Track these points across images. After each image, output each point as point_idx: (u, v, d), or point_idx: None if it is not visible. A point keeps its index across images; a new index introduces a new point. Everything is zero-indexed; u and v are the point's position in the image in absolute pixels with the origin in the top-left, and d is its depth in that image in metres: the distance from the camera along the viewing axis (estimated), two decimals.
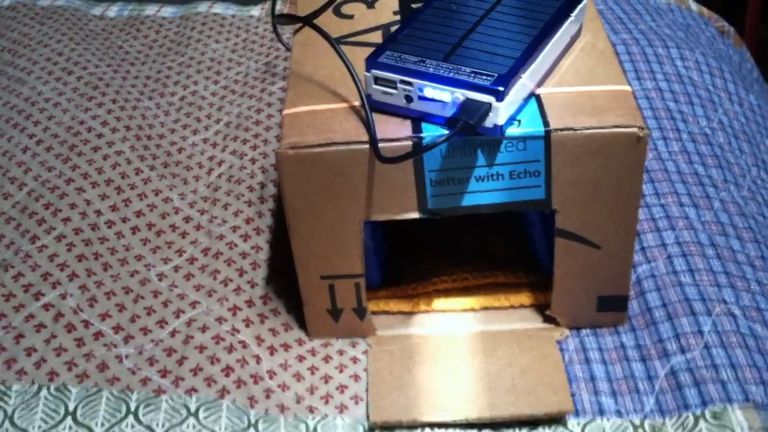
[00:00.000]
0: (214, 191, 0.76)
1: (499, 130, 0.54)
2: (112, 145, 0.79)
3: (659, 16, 0.96)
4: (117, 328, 0.62)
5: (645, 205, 0.71)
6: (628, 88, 0.58)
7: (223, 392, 0.58)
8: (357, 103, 0.58)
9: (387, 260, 0.69)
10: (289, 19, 0.66)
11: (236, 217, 0.73)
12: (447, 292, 0.66)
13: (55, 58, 0.91)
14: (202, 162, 0.80)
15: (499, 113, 0.54)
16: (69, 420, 0.56)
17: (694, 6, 1.04)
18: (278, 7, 1.04)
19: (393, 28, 0.66)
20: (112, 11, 1.05)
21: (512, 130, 0.55)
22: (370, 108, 0.56)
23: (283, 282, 0.68)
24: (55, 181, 0.74)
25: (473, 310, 0.66)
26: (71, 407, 0.57)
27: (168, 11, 1.05)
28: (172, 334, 0.62)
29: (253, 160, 0.79)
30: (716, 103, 0.84)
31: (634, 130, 0.55)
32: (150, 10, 1.05)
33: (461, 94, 0.54)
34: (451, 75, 0.55)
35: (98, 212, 0.72)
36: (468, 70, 0.55)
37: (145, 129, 0.82)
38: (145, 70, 0.93)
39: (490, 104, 0.54)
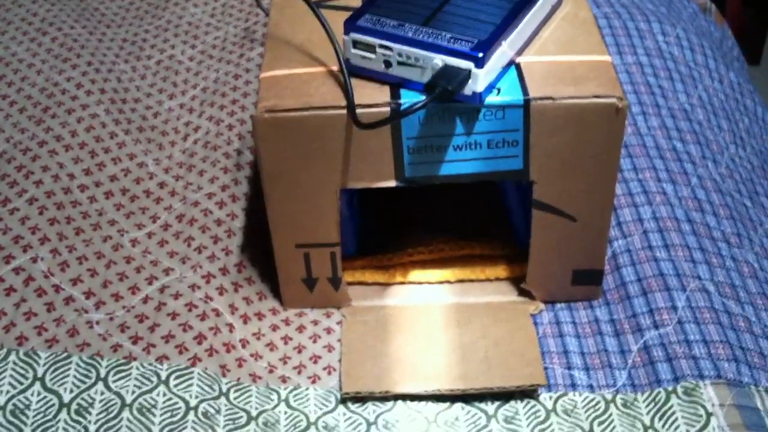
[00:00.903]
0: (190, 157, 0.75)
1: (478, 97, 0.54)
2: (87, 108, 0.77)
3: None
4: (88, 294, 0.62)
5: (623, 180, 0.71)
6: (608, 58, 0.58)
7: (195, 360, 0.58)
8: (335, 68, 0.58)
9: (363, 229, 0.68)
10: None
11: (212, 183, 0.72)
12: (423, 264, 0.66)
13: (30, 18, 0.90)
14: (178, 127, 0.79)
15: (479, 80, 0.53)
16: (38, 385, 0.55)
17: None
18: None
19: None
20: None
21: (491, 98, 0.55)
22: (349, 72, 0.56)
23: (259, 250, 0.67)
24: (27, 143, 0.73)
25: (449, 282, 0.65)
26: (40, 372, 0.56)
27: None
28: (145, 300, 0.62)
29: (230, 126, 0.78)
30: (696, 79, 0.84)
31: (613, 100, 0.54)
32: None
33: (440, 60, 0.54)
34: (430, 40, 0.54)
35: (71, 176, 0.71)
36: (447, 35, 0.54)
37: (120, 92, 0.81)
38: (122, 33, 0.91)
39: (469, 71, 0.53)
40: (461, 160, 0.57)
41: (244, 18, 0.94)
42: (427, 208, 0.71)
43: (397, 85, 0.56)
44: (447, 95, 0.52)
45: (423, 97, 0.54)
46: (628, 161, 0.72)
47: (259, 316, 0.63)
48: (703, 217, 0.69)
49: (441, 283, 0.65)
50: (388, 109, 0.55)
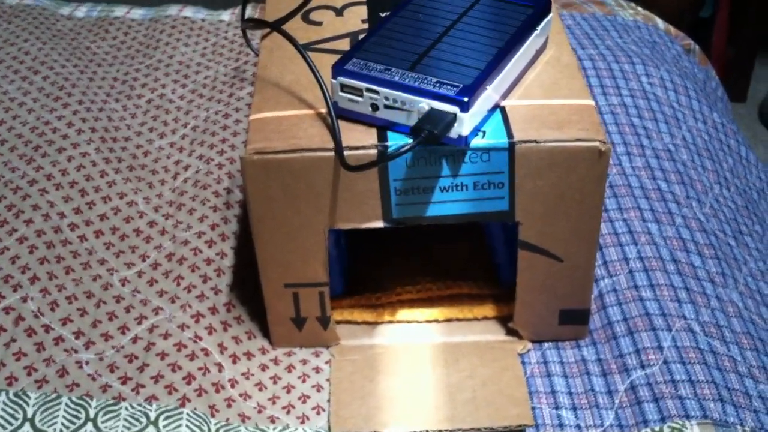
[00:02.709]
0: (180, 195, 0.76)
1: (463, 140, 0.55)
2: (77, 146, 0.78)
3: (626, 33, 0.97)
4: (78, 333, 0.62)
5: (608, 219, 0.72)
6: (591, 102, 0.59)
7: (184, 400, 0.58)
8: (323, 110, 0.58)
9: (351, 269, 0.69)
10: (257, 24, 0.66)
11: (201, 222, 0.73)
12: (411, 303, 0.66)
13: (22, 56, 0.90)
14: (168, 166, 0.79)
15: (464, 124, 0.54)
16: (27, 426, 0.55)
17: (660, 24, 1.05)
18: (249, 12, 1.04)
19: (361, 36, 0.66)
20: (81, 11, 1.05)
21: (477, 141, 0.56)
22: (336, 115, 0.57)
23: (248, 290, 0.67)
24: (18, 182, 0.74)
25: (437, 321, 0.66)
26: (30, 413, 0.56)
27: (137, 13, 1.04)
28: (134, 340, 0.62)
29: (219, 165, 0.79)
30: (680, 120, 0.85)
31: (596, 144, 0.55)
32: (119, 11, 1.05)
33: (426, 104, 0.55)
34: (416, 84, 0.55)
35: (61, 214, 0.71)
36: (433, 80, 0.55)
37: (111, 131, 0.82)
38: (113, 72, 0.92)
39: (454, 114, 0.54)
40: (448, 201, 0.58)
41: (234, 57, 0.95)
42: (413, 246, 0.71)
43: (384, 128, 0.57)
44: (433, 139, 0.53)
45: (409, 140, 0.55)
46: (614, 201, 0.73)
47: (248, 355, 0.63)
48: (687, 256, 0.69)
49: (429, 322, 0.66)
50: (375, 151, 0.56)
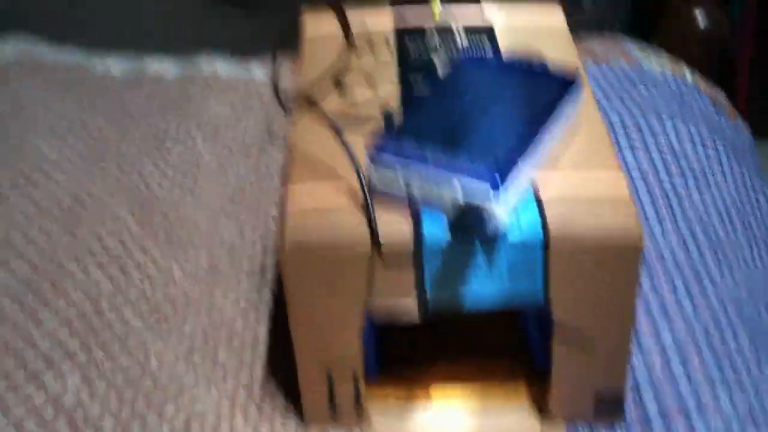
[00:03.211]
0: (214, 263, 0.77)
1: (499, 234, 0.55)
2: (113, 211, 0.79)
3: (654, 86, 0.97)
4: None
5: (641, 295, 0.72)
6: (625, 186, 0.59)
7: None
8: (357, 190, 0.59)
9: (384, 350, 0.70)
10: (290, 99, 0.67)
11: (236, 292, 0.74)
12: (445, 383, 0.67)
13: (57, 118, 0.92)
14: (201, 231, 0.80)
15: (499, 216, 0.55)
16: None
17: (688, 75, 1.05)
18: (281, 66, 1.05)
19: (392, 102, 0.66)
20: (113, 66, 1.06)
21: (512, 234, 0.56)
22: (372, 205, 0.57)
23: (282, 367, 0.68)
24: (60, 256, 0.75)
25: (471, 403, 0.66)
26: None
27: (170, 71, 1.05)
28: (171, 426, 0.63)
29: (253, 228, 0.80)
30: (709, 176, 0.85)
31: (632, 238, 0.56)
32: (152, 65, 1.06)
33: (459, 181, 0.55)
34: (449, 163, 0.55)
35: (98, 291, 0.73)
36: (467, 158, 0.56)
37: (144, 192, 0.83)
38: (144, 127, 0.93)
39: (490, 208, 0.54)
40: (482, 290, 0.58)
41: (264, 114, 0.96)
42: (447, 325, 0.72)
43: (418, 212, 0.57)
44: (469, 235, 0.54)
45: (444, 233, 0.56)
46: (645, 274, 0.74)
47: None
48: (722, 337, 0.69)
49: (463, 404, 0.66)
50: (411, 243, 0.56)
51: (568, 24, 0.76)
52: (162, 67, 1.05)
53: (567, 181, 0.59)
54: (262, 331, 0.71)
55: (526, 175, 0.58)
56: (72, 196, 0.81)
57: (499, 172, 0.54)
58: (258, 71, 1.04)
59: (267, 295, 0.74)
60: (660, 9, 2.30)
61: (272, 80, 0.82)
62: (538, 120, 0.60)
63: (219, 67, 1.04)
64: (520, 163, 0.56)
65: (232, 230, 0.80)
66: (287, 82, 1.01)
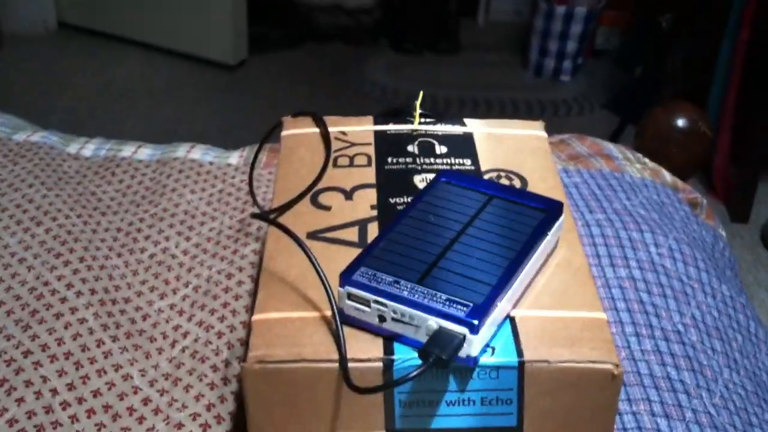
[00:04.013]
0: (177, 368, 0.74)
1: (472, 360, 0.53)
2: (76, 311, 0.77)
3: (633, 193, 0.97)
4: None
5: (618, 412, 0.70)
6: (603, 316, 0.57)
7: None
8: (328, 313, 0.57)
9: None
10: (259, 217, 0.65)
11: (197, 402, 0.71)
12: None
13: (26, 204, 0.90)
14: (167, 332, 0.78)
15: (473, 345, 0.53)
16: None
17: (668, 178, 1.05)
18: (258, 155, 1.04)
19: (369, 225, 0.65)
20: (89, 150, 1.04)
21: (485, 359, 0.54)
22: (342, 325, 0.55)
23: None
24: (12, 352, 0.72)
25: None
26: None
27: (145, 153, 1.04)
28: None
29: (219, 334, 0.77)
30: (689, 295, 0.84)
31: (609, 366, 0.54)
32: (127, 150, 1.04)
33: (435, 322, 0.53)
34: (425, 302, 0.54)
35: (54, 391, 0.69)
36: (443, 297, 0.54)
37: (110, 292, 0.80)
38: (117, 222, 0.91)
39: (464, 336, 0.52)
40: (453, 415, 0.56)
41: (240, 207, 0.94)
42: None
43: (390, 339, 0.55)
44: (441, 364, 0.52)
45: (415, 358, 0.54)
46: (623, 391, 0.72)
47: None
48: None
49: None
50: (380, 365, 0.54)
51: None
52: (137, 152, 1.04)
53: (545, 317, 0.57)
54: None
55: (503, 312, 0.56)
56: (31, 291, 0.78)
57: (477, 317, 0.52)
58: (235, 160, 1.03)
59: (229, 405, 0.71)
60: (648, 87, 2.34)
61: (249, 179, 0.80)
62: (519, 252, 0.58)
63: (196, 153, 1.03)
64: (499, 303, 0.55)
65: (198, 333, 0.77)
66: (265, 173, 1.00)
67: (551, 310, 0.58)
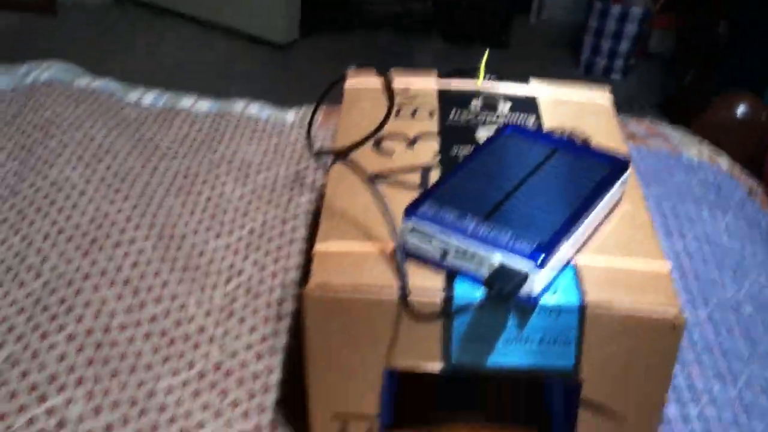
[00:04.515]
0: (231, 302, 0.75)
1: (534, 298, 0.53)
2: (134, 242, 0.78)
3: (692, 173, 0.96)
4: None
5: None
6: (666, 267, 0.57)
7: None
8: (390, 247, 0.57)
9: (401, 400, 0.67)
10: (326, 154, 0.66)
11: (251, 333, 0.72)
12: None
13: (86, 143, 0.91)
14: (222, 269, 0.79)
15: (536, 282, 0.53)
16: None
17: (725, 164, 1.04)
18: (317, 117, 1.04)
19: (432, 172, 0.65)
20: (148, 99, 1.06)
21: (547, 299, 0.54)
22: (403, 257, 0.56)
23: (293, 411, 0.66)
24: (72, 275, 0.73)
25: None
26: None
27: (203, 106, 1.05)
28: None
29: (273, 274, 0.78)
30: (745, 271, 0.83)
31: (671, 315, 0.54)
32: (185, 102, 1.06)
33: (499, 258, 0.53)
34: (491, 237, 0.54)
35: (112, 313, 0.70)
36: (508, 233, 0.54)
37: (168, 228, 0.82)
38: (174, 166, 0.92)
39: (527, 273, 0.53)
40: (510, 353, 0.56)
41: (295, 160, 0.95)
42: (467, 386, 0.70)
43: (452, 273, 0.56)
44: (503, 297, 0.52)
45: (478, 291, 0.54)
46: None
47: None
48: (749, 422, 0.67)
49: None
50: (441, 298, 0.54)
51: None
52: (196, 104, 1.05)
53: (608, 263, 0.57)
54: (275, 374, 0.69)
55: (567, 256, 0.56)
56: (91, 221, 0.80)
57: (542, 255, 0.52)
58: (291, 117, 1.03)
59: (282, 340, 0.72)
60: (699, 92, 2.32)
61: (307, 129, 0.81)
62: (584, 200, 0.58)
63: (252, 109, 1.04)
64: (563, 245, 0.55)
65: (252, 272, 0.78)
66: (320, 133, 1.01)
67: (615, 258, 0.57)
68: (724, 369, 0.71)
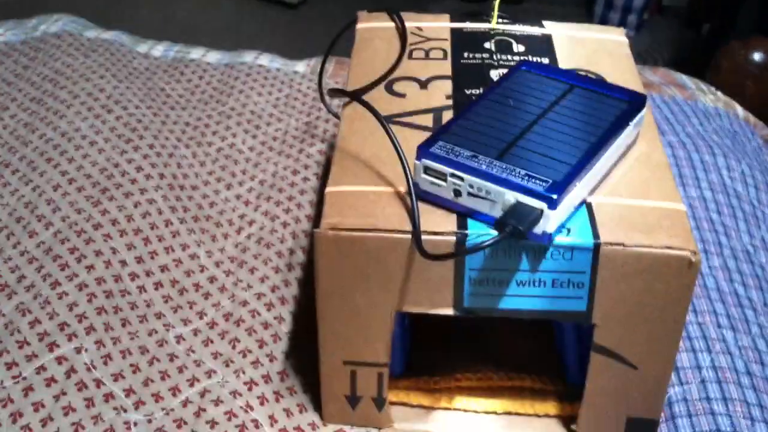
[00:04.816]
0: (242, 252, 0.74)
1: (547, 237, 0.53)
2: (145, 192, 0.77)
3: (707, 120, 0.95)
4: (129, 391, 0.60)
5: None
6: (682, 206, 0.56)
7: None
8: (402, 189, 0.57)
9: (411, 349, 0.67)
10: (339, 93, 0.65)
11: (262, 283, 0.71)
12: (470, 391, 0.64)
13: (96, 93, 0.90)
14: (233, 219, 0.78)
15: (550, 221, 0.52)
16: None
17: (740, 112, 1.02)
18: (325, 65, 1.03)
19: (445, 113, 0.64)
20: (158, 50, 1.05)
21: (561, 239, 0.53)
22: (416, 198, 0.55)
23: (303, 359, 0.66)
24: (82, 224, 0.73)
25: (495, 413, 0.63)
26: None
27: (213, 57, 1.04)
28: (184, 403, 0.60)
29: (284, 224, 0.78)
30: (760, 219, 0.82)
31: (687, 253, 0.53)
32: (195, 53, 1.05)
33: (513, 196, 0.53)
34: (504, 175, 0.53)
35: (123, 262, 0.70)
36: (522, 171, 0.53)
37: (179, 178, 0.81)
38: (185, 117, 0.92)
39: (541, 211, 0.52)
40: (523, 296, 0.56)
41: (306, 111, 0.94)
42: (478, 333, 0.69)
43: (464, 215, 0.55)
44: (517, 235, 0.51)
45: (491, 231, 0.53)
46: None
47: (299, 430, 0.61)
48: (763, 370, 0.66)
49: (487, 413, 0.63)
50: (453, 238, 0.54)
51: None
52: (206, 55, 1.04)
53: (623, 204, 0.56)
54: (286, 322, 0.68)
55: (581, 195, 0.55)
56: (102, 171, 0.79)
57: (556, 192, 0.51)
58: (302, 68, 1.02)
59: (293, 289, 0.71)
60: (714, 47, 2.28)
61: (319, 87, 0.80)
62: (599, 138, 0.57)
63: (263, 60, 1.03)
64: (578, 184, 0.54)
65: (263, 222, 0.78)
66: (331, 83, 0.99)
67: (629, 199, 0.57)
68: (738, 317, 0.70)
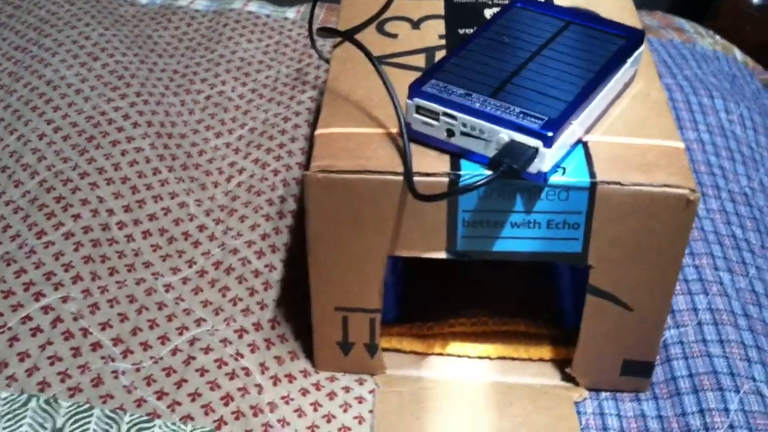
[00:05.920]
0: (232, 200, 0.73)
1: (542, 176, 0.51)
2: (132, 140, 0.76)
3: (705, 63, 0.93)
4: (116, 340, 0.59)
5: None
6: (681, 144, 0.55)
7: (221, 423, 0.55)
8: (394, 130, 0.55)
9: (404, 295, 0.66)
10: (330, 33, 0.63)
11: (252, 231, 0.70)
12: (464, 336, 0.63)
13: (82, 41, 0.88)
14: (223, 168, 0.77)
15: (545, 159, 0.51)
16: None
17: (739, 55, 1.00)
18: (316, 12, 1.01)
19: (437, 53, 0.63)
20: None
21: (556, 178, 0.52)
22: (409, 138, 0.53)
23: (294, 307, 0.65)
24: (69, 173, 0.71)
25: (489, 358, 0.62)
26: (59, 423, 0.54)
27: (201, 4, 1.02)
28: (173, 352, 0.59)
29: (275, 172, 0.76)
30: (758, 162, 0.81)
31: (685, 191, 0.52)
32: (183, 0, 1.02)
33: (507, 135, 0.51)
34: (498, 113, 0.51)
35: (110, 211, 0.69)
36: (516, 109, 0.52)
37: (167, 126, 0.79)
38: (173, 64, 0.90)
39: (536, 149, 0.50)
40: (517, 238, 0.54)
41: (297, 58, 0.92)
42: (472, 278, 0.68)
43: (457, 155, 0.53)
44: (512, 174, 0.50)
45: (485, 171, 0.52)
46: None
47: (290, 377, 0.60)
48: (760, 312, 0.65)
49: (481, 358, 0.63)
50: (446, 179, 0.52)
51: None
52: (194, 2, 1.02)
53: (620, 143, 0.54)
54: (277, 271, 0.67)
55: (577, 134, 0.53)
56: (88, 119, 0.77)
57: (551, 130, 0.50)
58: (292, 15, 1.00)
59: (284, 237, 0.70)
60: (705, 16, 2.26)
61: (309, 27, 0.78)
62: (596, 75, 0.55)
63: (252, 6, 1.00)
64: (573, 122, 0.52)
65: (253, 170, 0.76)
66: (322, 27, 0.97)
67: (627, 137, 0.55)
68: (735, 260, 0.69)
